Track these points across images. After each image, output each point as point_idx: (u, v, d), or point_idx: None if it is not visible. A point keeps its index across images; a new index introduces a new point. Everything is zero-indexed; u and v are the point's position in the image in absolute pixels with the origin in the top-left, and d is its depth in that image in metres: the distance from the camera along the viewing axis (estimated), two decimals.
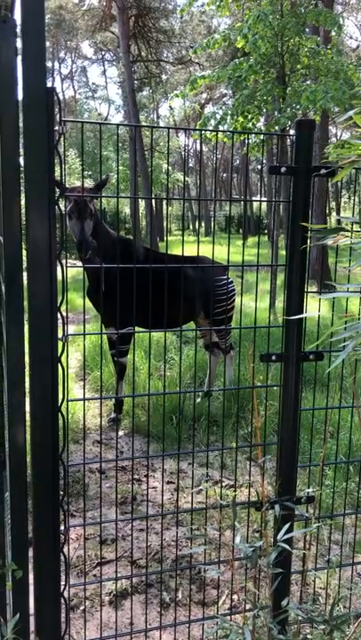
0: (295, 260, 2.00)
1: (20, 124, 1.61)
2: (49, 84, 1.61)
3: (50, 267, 1.67)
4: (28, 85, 1.57)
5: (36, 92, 1.58)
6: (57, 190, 1.69)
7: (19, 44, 1.56)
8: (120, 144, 27.59)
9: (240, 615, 2.32)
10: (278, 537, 1.82)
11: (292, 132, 1.96)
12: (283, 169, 1.97)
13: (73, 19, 30.93)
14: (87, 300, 4.86)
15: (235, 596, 2.58)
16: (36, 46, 1.56)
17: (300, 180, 1.96)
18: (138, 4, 23.16)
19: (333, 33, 9.46)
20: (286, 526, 1.84)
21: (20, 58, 1.56)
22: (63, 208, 1.75)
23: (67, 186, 4.63)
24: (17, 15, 1.59)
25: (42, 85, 1.58)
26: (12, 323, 1.67)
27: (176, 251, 11.42)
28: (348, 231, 1.60)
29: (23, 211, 1.65)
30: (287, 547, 1.79)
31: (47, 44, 1.59)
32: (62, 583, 1.87)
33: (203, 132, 6.14)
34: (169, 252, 4.76)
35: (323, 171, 1.95)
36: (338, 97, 7.99)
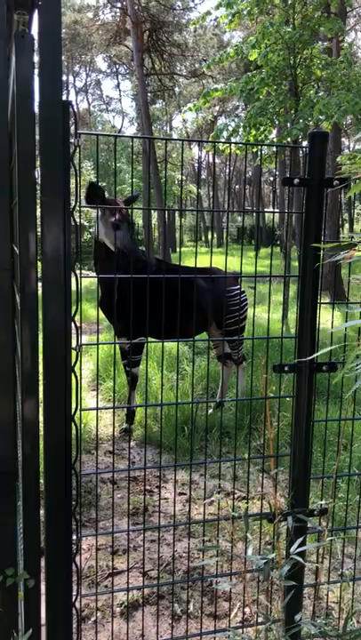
0: (308, 272, 2.00)
1: (37, 137, 1.63)
2: (64, 98, 1.64)
3: (64, 277, 1.69)
4: (44, 99, 1.60)
5: (53, 106, 1.61)
6: (72, 202, 1.71)
7: (36, 58, 1.60)
8: (134, 156, 27.80)
9: (252, 628, 2.30)
10: (291, 549, 1.81)
11: (304, 143, 1.97)
12: (295, 180, 1.97)
13: (88, 33, 31.32)
14: (100, 310, 4.89)
15: (247, 609, 2.56)
16: (52, 61, 1.59)
17: (313, 191, 1.97)
18: (152, 18, 23.42)
19: (346, 44, 9.50)
20: (300, 539, 1.83)
21: (36, 72, 1.59)
22: (78, 219, 1.76)
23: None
24: (34, 30, 1.62)
25: (58, 99, 1.61)
26: (26, 332, 1.68)
27: (188, 262, 11.47)
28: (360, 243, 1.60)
29: (38, 222, 1.67)
30: (300, 559, 1.78)
31: (62, 57, 1.62)
32: (74, 593, 1.87)
33: (215, 143, 6.19)
34: (181, 264, 4.80)
35: (336, 183, 1.95)
36: (350, 109, 8.02)
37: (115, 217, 4.31)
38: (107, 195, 4.42)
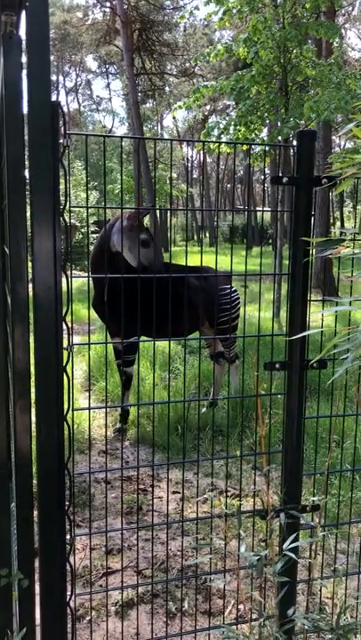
0: (298, 270, 2.01)
1: (26, 138, 1.64)
2: (53, 98, 1.64)
3: (55, 277, 1.70)
4: (32, 99, 1.60)
5: (41, 106, 1.61)
6: (62, 203, 1.71)
7: (24, 59, 1.60)
8: (125, 156, 27.80)
9: (246, 625, 2.31)
10: (284, 546, 1.82)
11: (295, 142, 1.99)
12: (285, 179, 1.99)
13: (77, 33, 31.27)
14: (92, 310, 4.89)
15: (241, 606, 2.57)
16: (40, 61, 1.59)
17: (302, 190, 1.98)
18: (141, 17, 23.42)
19: (336, 44, 9.54)
20: (293, 535, 1.84)
21: (25, 72, 1.59)
22: (68, 220, 1.77)
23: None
24: (22, 31, 1.62)
25: (46, 99, 1.61)
26: (17, 333, 1.68)
27: (180, 261, 11.47)
28: (350, 240, 1.61)
29: (28, 222, 1.67)
30: (293, 555, 1.79)
31: (52, 57, 1.63)
32: (68, 593, 1.88)
33: (206, 142, 6.20)
34: (173, 262, 4.81)
35: (324, 181, 1.97)
36: (341, 107, 8.04)
37: (144, 234, 4.35)
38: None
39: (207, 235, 36.78)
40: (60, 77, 42.18)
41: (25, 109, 1.61)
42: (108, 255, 4.44)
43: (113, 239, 4.46)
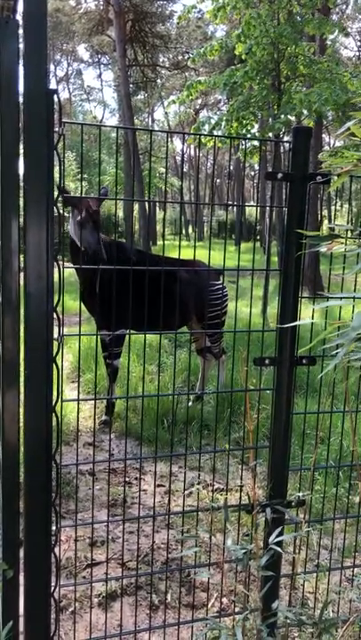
0: (290, 266, 2.02)
1: (20, 125, 1.62)
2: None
3: (47, 267, 1.68)
4: (28, 87, 1.58)
5: (37, 94, 1.59)
6: (56, 193, 1.70)
7: (20, 45, 1.57)
8: (115, 148, 27.62)
9: (229, 618, 2.33)
10: (269, 540, 1.83)
11: (286, 138, 1.99)
12: (279, 175, 1.99)
13: (70, 21, 30.89)
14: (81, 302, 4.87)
15: (224, 599, 2.59)
16: (37, 47, 1.57)
17: (297, 186, 1.98)
18: (135, 8, 23.23)
19: (329, 42, 9.52)
20: (278, 530, 1.85)
21: (21, 59, 1.57)
22: (61, 211, 1.75)
23: (71, 193, 4.84)
24: (19, 16, 1.60)
25: (42, 87, 1.60)
26: (8, 323, 1.67)
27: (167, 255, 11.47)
28: (342, 238, 1.62)
29: (21, 212, 1.65)
30: (279, 549, 1.80)
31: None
32: (52, 584, 1.87)
33: (199, 136, 6.18)
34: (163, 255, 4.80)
35: (319, 178, 1.97)
36: (332, 99, 8.04)
37: (80, 215, 4.29)
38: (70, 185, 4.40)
39: (196, 229, 36.72)
40: (52, 66, 41.76)
41: (20, 96, 1.59)
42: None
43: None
